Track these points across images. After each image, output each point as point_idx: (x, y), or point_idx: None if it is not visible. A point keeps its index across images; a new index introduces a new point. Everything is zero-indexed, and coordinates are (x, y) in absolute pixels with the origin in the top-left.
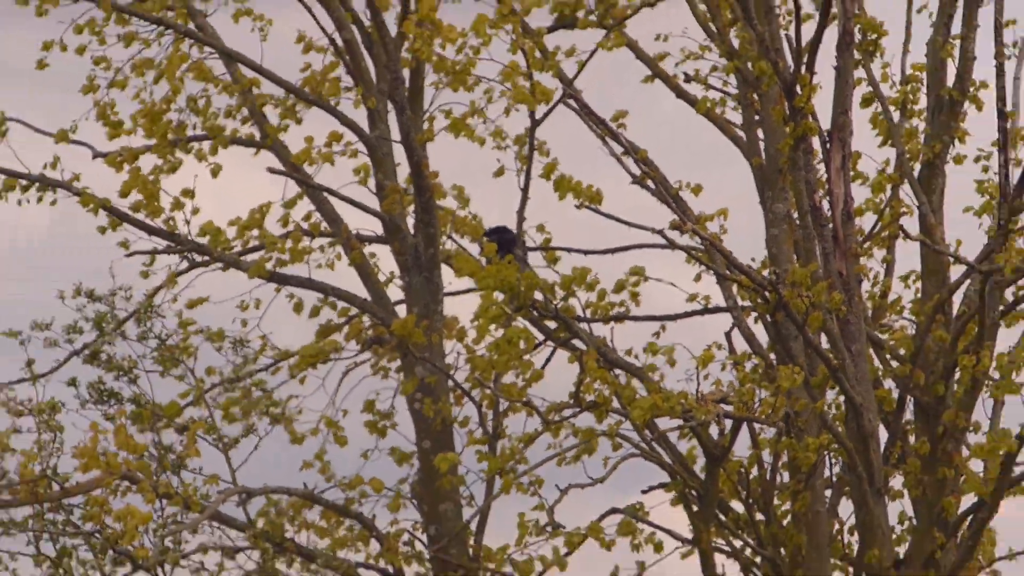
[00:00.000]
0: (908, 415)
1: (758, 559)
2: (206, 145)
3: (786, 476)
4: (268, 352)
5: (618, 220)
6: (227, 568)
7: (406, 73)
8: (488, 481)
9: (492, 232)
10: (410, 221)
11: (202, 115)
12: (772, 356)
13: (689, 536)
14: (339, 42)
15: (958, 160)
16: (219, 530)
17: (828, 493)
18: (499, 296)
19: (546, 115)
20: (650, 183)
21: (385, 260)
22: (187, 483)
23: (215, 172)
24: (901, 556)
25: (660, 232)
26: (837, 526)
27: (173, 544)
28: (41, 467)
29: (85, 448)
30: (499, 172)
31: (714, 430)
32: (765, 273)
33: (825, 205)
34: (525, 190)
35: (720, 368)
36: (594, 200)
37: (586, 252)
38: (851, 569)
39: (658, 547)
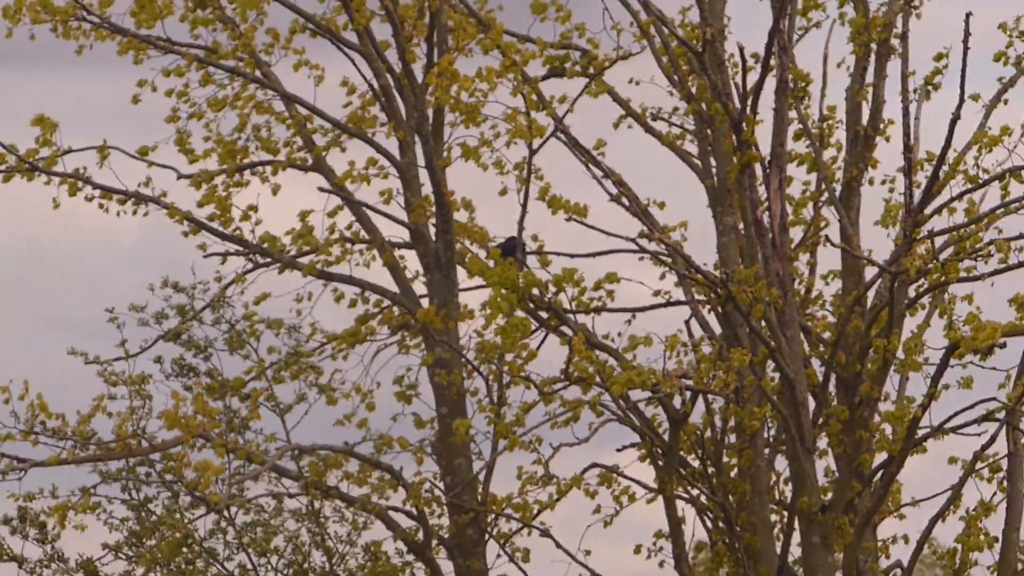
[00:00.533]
0: (831, 388)
1: (711, 505)
2: (268, 169)
3: (733, 437)
4: (318, 336)
5: (599, 230)
6: (282, 512)
7: (430, 112)
8: (494, 440)
9: (504, 242)
10: (432, 230)
11: (264, 144)
12: (723, 341)
13: (655, 486)
14: (376, 86)
15: (871, 182)
16: (276, 480)
17: (767, 451)
18: (503, 291)
19: (541, 146)
20: (625, 200)
21: (412, 261)
22: (250, 441)
23: (275, 191)
24: (826, 503)
25: (632, 240)
26: (774, 478)
27: (238, 491)
28: (132, 428)
29: (169, 412)
30: (503, 192)
31: (677, 400)
32: (717, 273)
33: (765, 219)
34: (524, 206)
35: (682, 350)
36: (580, 214)
37: (572, 255)
38: (785, 513)
39: (630, 495)
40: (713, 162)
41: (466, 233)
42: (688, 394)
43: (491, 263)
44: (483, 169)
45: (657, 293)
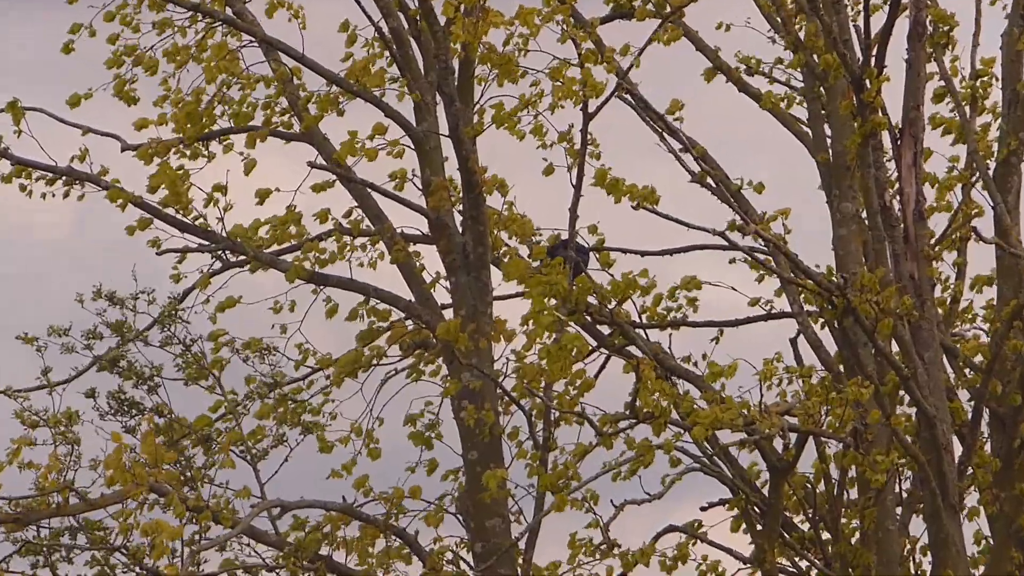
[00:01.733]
0: (983, 427)
1: None
2: (242, 139)
3: (854, 492)
4: (309, 361)
5: (676, 221)
6: None
7: (455, 64)
8: (538, 496)
9: (557, 245)
10: (457, 219)
11: (237, 106)
12: (839, 365)
13: (751, 557)
14: (385, 30)
15: None
16: (248, 547)
17: (899, 510)
18: (550, 302)
19: (599, 109)
20: (710, 181)
21: (431, 260)
22: (217, 496)
23: (249, 167)
24: None
25: (720, 233)
26: (908, 545)
27: (197, 566)
28: (58, 479)
29: (111, 458)
30: (548, 170)
31: (778, 443)
32: (832, 277)
33: (895, 204)
34: (577, 188)
35: (785, 378)
36: (650, 200)
37: (643, 253)
38: None
39: (718, 573)
40: (828, 130)
41: (502, 224)
42: (793, 436)
43: (534, 264)
44: (519, 139)
45: (754, 303)
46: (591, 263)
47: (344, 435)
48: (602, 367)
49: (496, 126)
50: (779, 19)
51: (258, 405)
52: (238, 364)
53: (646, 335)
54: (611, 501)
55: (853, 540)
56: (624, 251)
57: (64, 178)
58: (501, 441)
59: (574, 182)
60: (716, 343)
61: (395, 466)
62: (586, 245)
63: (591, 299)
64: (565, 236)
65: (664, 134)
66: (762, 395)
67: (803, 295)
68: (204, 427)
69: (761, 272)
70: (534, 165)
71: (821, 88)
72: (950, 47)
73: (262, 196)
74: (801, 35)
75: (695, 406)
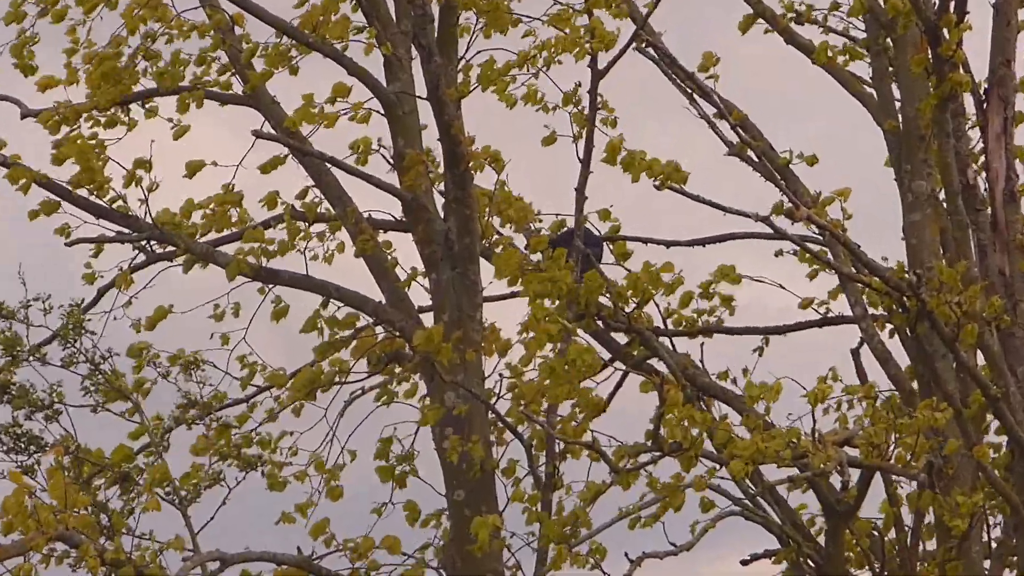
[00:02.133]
0: None
1: None
2: (172, 103)
3: (931, 541)
4: (257, 379)
5: (708, 203)
6: None
7: (435, 9)
8: (540, 548)
9: (562, 234)
10: (439, 202)
11: (165, 64)
12: (912, 382)
13: None
14: None
15: None
16: None
17: (987, 563)
18: (552, 305)
19: (612, 64)
20: (750, 154)
21: (405, 252)
22: (142, 548)
23: (179, 133)
24: None
25: (764, 219)
26: None
27: None
28: None
29: (9, 502)
30: (549, 139)
31: (836, 481)
32: (903, 273)
33: (980, 183)
34: (585, 163)
35: (844, 400)
36: (677, 179)
37: (667, 244)
38: None
39: None
40: (896, 92)
41: (495, 208)
42: (856, 472)
43: (533, 258)
44: (508, 105)
45: (806, 305)
46: (604, 256)
47: (299, 470)
48: (618, 386)
49: (483, 87)
50: None
51: (194, 435)
52: (165, 384)
53: (672, 345)
54: (626, 554)
55: None
56: (644, 240)
57: None
58: (493, 478)
59: (581, 155)
60: (760, 355)
61: (362, 508)
62: (597, 234)
63: (604, 300)
64: (572, 223)
65: (694, 96)
66: (815, 420)
67: (867, 295)
68: (122, 463)
69: (815, 267)
70: (533, 134)
71: (888, 39)
72: None
73: (192, 170)
74: None
75: (733, 435)
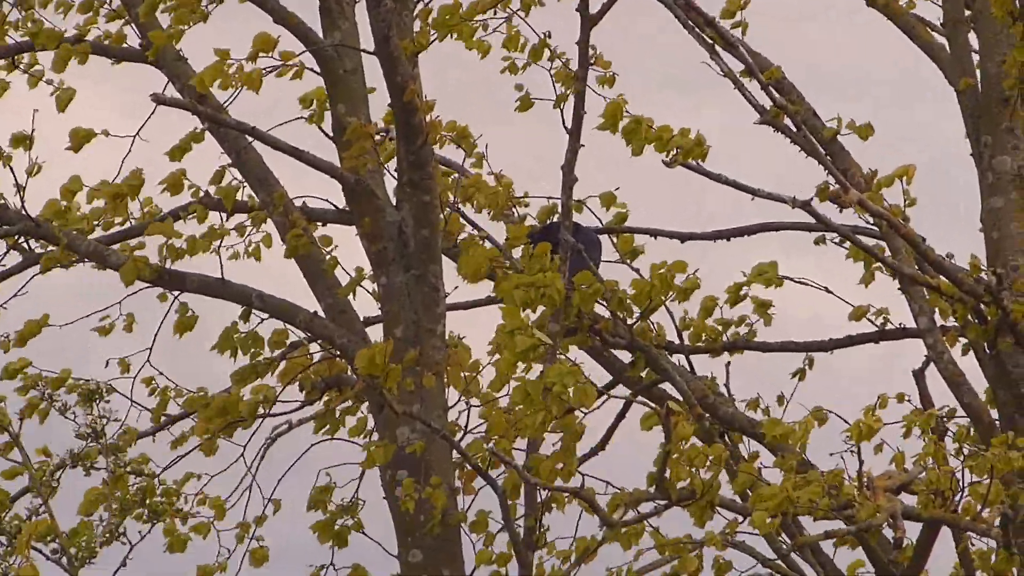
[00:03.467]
0: None
1: None
2: (50, 60)
3: None
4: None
5: (734, 185)
6: None
7: None
8: None
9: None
10: (389, 186)
11: (41, 8)
12: (991, 411)
13: None
14: None
15: None
16: None
17: None
18: (528, 315)
19: (607, 7)
20: (787, 122)
21: (348, 249)
22: None
23: (63, 102)
24: None
25: (804, 205)
26: None
27: None
28: None
29: None
30: (524, 103)
31: (890, 535)
32: (980, 273)
33: None
34: (575, 133)
35: (901, 432)
36: (694, 154)
37: (683, 237)
38: None
39: None
40: (974, 43)
41: (462, 192)
42: (915, 526)
43: (513, 255)
44: (481, 54)
45: (859, 314)
46: (604, 252)
47: (204, 522)
48: (619, 417)
49: (440, 35)
50: None
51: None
52: (52, 417)
53: (690, 365)
54: None
55: None
56: (653, 233)
57: None
58: (459, 534)
59: (568, 126)
60: (800, 379)
61: (292, 572)
62: (592, 226)
63: (600, 308)
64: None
65: (716, 48)
66: (862, 460)
67: (935, 302)
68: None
69: (870, 266)
70: (506, 98)
71: None
72: None
73: (78, 141)
74: None
75: (757, 478)
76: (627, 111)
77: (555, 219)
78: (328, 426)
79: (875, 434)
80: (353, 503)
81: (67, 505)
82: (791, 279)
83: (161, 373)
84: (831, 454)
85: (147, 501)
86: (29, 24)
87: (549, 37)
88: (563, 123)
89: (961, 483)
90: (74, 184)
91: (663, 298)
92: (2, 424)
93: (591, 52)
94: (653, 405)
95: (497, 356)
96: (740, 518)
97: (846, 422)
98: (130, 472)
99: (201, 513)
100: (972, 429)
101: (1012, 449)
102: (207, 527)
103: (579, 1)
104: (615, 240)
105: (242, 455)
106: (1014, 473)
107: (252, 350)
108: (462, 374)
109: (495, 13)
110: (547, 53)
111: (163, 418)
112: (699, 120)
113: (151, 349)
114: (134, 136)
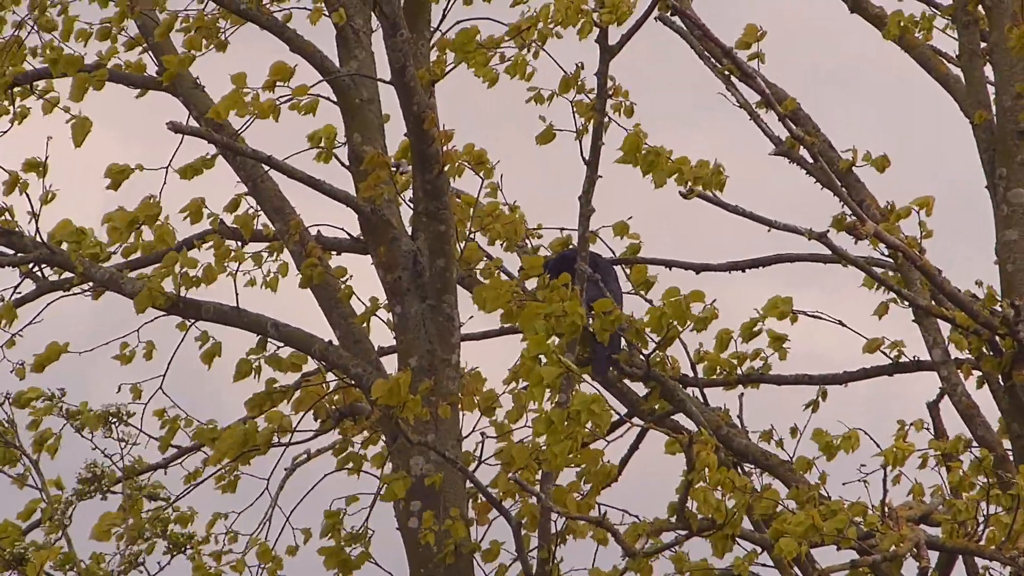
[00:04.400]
0: None
1: None
2: (67, 87)
3: None
4: (179, 438)
5: (751, 216)
6: None
7: None
8: None
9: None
10: (405, 216)
11: (59, 36)
12: (1006, 443)
13: None
14: None
15: None
16: None
17: None
18: (551, 343)
19: (627, 38)
20: (803, 153)
21: (364, 278)
22: None
23: (82, 134)
24: None
25: (820, 236)
26: None
27: None
28: None
29: None
30: (546, 135)
31: (912, 567)
32: (996, 305)
33: None
34: (593, 164)
35: (919, 463)
36: (712, 183)
37: (699, 268)
38: None
39: None
40: (990, 75)
41: (478, 222)
42: (935, 556)
43: (528, 286)
44: (488, 83)
45: (873, 346)
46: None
47: (239, 559)
48: (633, 447)
49: (456, 60)
50: None
51: (103, 508)
52: (69, 440)
53: (704, 397)
54: None
55: None
56: (668, 264)
57: None
58: (472, 565)
59: (587, 156)
60: (814, 411)
61: None
62: (606, 256)
63: (619, 340)
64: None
65: (732, 79)
66: (885, 491)
67: (950, 334)
68: (13, 542)
69: (885, 298)
70: (529, 127)
71: (980, 7)
72: None
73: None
74: None
75: (779, 508)
76: (647, 143)
77: (570, 248)
78: (351, 464)
79: (907, 459)
80: (363, 531)
81: (84, 530)
82: (805, 313)
83: (174, 404)
84: (844, 484)
85: (167, 531)
86: (48, 51)
87: (582, 68)
88: (581, 154)
89: (985, 512)
90: (80, 233)
91: (680, 328)
92: (19, 455)
93: (609, 83)
94: (674, 433)
95: (513, 385)
96: (760, 549)
97: (879, 446)
98: (146, 496)
99: (233, 550)
100: (988, 460)
101: None
102: (242, 564)
103: (599, 32)
104: (628, 271)
105: (267, 488)
106: None
107: (269, 377)
108: (475, 398)
109: (515, 44)
110: (568, 84)
111: (171, 449)
112: (711, 151)
113: (163, 377)
114: (167, 167)
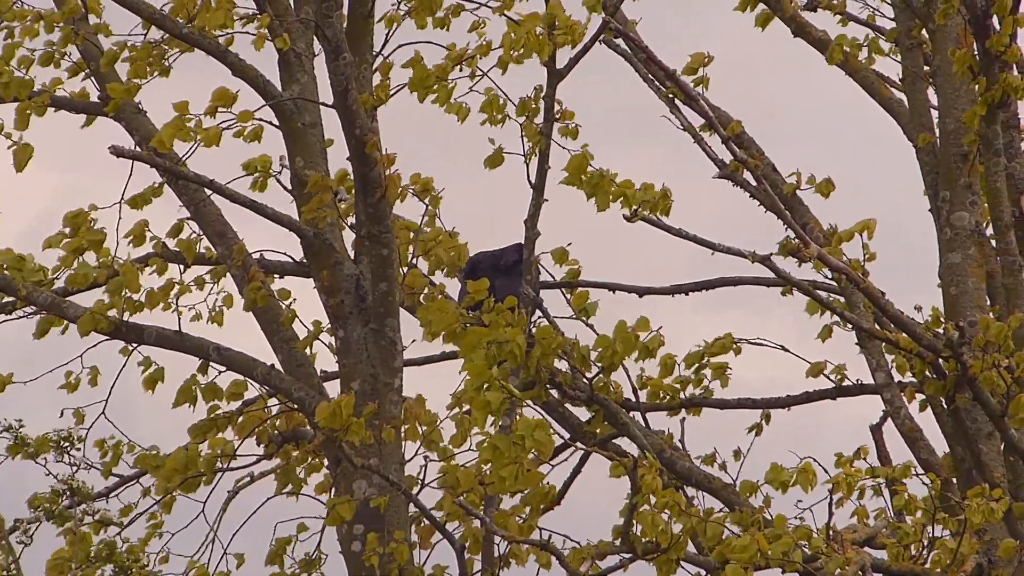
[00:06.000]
0: None
1: None
2: (9, 113)
3: None
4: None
5: (693, 239)
6: None
7: None
8: None
9: (479, 261)
10: (348, 240)
11: (1, 62)
12: (950, 467)
13: None
14: None
15: None
16: None
17: None
18: (492, 367)
19: (574, 62)
20: (747, 177)
21: (306, 302)
22: None
23: (21, 161)
24: None
25: (764, 259)
26: None
27: None
28: None
29: None
30: (495, 159)
31: None
32: (939, 327)
33: None
34: (538, 187)
35: (867, 489)
36: (657, 207)
37: (641, 292)
38: None
39: None
40: (933, 99)
41: (421, 247)
42: None
43: (467, 309)
44: (460, 118)
45: (816, 371)
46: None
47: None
48: (576, 471)
49: (417, 93)
50: None
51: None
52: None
53: (646, 421)
54: None
55: None
56: (613, 288)
57: None
58: None
59: (533, 179)
60: (757, 434)
61: None
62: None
63: (560, 363)
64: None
65: (676, 103)
66: (831, 514)
67: (894, 357)
68: None
69: (828, 321)
70: (471, 150)
71: (923, 31)
72: None
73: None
74: None
75: (728, 531)
76: (591, 165)
77: (485, 253)
78: (291, 485)
79: (856, 485)
80: (316, 558)
81: (42, 554)
82: (748, 341)
83: (117, 428)
84: (798, 504)
85: (112, 555)
86: None
87: (540, 91)
88: (528, 177)
89: (931, 535)
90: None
91: (623, 355)
92: None
93: (556, 107)
94: (618, 457)
95: (457, 410)
96: (706, 573)
97: (828, 473)
98: (99, 521)
99: (164, 570)
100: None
101: (989, 501)
102: None
103: (549, 56)
104: (568, 296)
105: (202, 511)
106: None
107: (211, 403)
108: (419, 427)
109: (461, 70)
110: (510, 107)
111: (112, 477)
112: (655, 174)
113: (105, 402)
114: (119, 203)
